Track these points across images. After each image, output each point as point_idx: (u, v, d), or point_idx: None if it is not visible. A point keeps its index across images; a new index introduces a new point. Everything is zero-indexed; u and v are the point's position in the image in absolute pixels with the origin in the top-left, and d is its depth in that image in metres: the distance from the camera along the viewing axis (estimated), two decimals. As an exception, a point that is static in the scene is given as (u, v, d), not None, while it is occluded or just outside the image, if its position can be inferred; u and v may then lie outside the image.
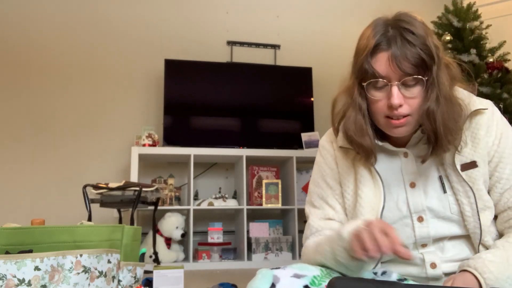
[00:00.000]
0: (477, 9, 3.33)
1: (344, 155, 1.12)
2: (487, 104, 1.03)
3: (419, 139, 1.04)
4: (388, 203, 1.04)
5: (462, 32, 3.25)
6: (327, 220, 1.10)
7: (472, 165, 0.99)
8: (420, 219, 1.02)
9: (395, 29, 0.96)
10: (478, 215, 0.97)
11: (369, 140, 1.02)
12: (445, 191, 1.01)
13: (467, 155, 1.00)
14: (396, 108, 0.95)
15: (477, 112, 1.02)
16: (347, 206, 1.09)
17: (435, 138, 0.97)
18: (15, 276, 0.90)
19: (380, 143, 1.05)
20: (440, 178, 1.02)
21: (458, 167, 0.99)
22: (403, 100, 0.95)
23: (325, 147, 1.17)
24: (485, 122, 1.01)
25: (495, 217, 1.02)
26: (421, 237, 1.01)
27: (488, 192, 1.01)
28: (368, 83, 0.98)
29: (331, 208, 1.11)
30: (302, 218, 3.62)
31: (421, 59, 0.94)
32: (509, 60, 3.27)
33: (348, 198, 1.09)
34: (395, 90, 0.94)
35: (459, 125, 0.98)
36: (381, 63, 0.95)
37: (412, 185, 1.04)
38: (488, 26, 3.32)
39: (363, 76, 0.99)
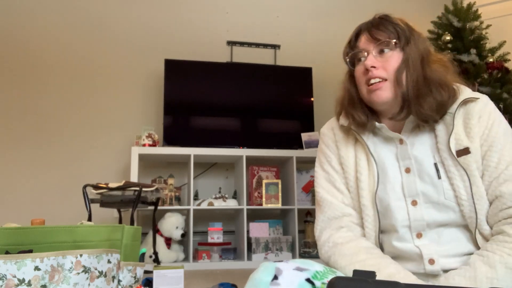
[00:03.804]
0: (477, 9, 3.33)
1: (345, 137, 1.18)
2: (480, 95, 1.08)
3: (413, 124, 1.10)
4: (384, 185, 1.08)
5: (462, 32, 3.25)
6: (341, 203, 1.15)
7: (466, 151, 1.02)
8: (414, 203, 1.04)
9: (374, 16, 1.13)
10: (473, 199, 0.99)
11: (360, 110, 1.13)
12: (439, 177, 1.03)
13: (460, 142, 1.03)
14: (369, 68, 1.07)
15: (470, 100, 1.06)
16: (350, 188, 1.14)
17: (406, 100, 1.06)
18: (15, 276, 0.90)
19: (377, 124, 1.11)
20: (435, 165, 1.05)
21: (454, 152, 1.02)
22: (377, 64, 1.07)
23: (326, 133, 1.24)
24: (477, 111, 1.05)
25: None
26: (415, 219, 1.03)
27: None
28: (351, 58, 1.14)
29: (339, 191, 1.15)
30: (302, 218, 3.63)
31: (394, 30, 1.08)
32: (509, 60, 3.27)
33: (350, 179, 1.14)
34: (370, 56, 1.09)
35: (440, 98, 1.04)
36: (361, 40, 1.13)
37: (408, 170, 1.08)
38: (488, 26, 3.32)
39: (350, 56, 1.15)
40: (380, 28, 1.09)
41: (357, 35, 1.14)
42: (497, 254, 0.92)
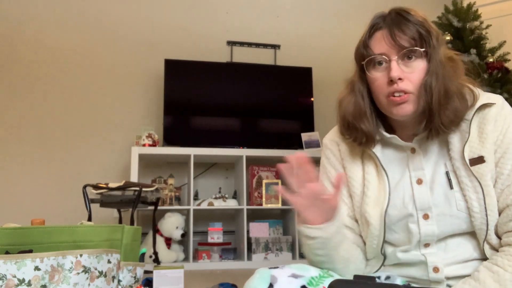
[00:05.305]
0: (477, 9, 3.33)
1: (351, 150, 1.10)
2: (496, 98, 1.01)
3: (424, 132, 1.02)
4: (394, 201, 1.02)
5: (462, 32, 3.25)
6: None
7: (480, 160, 0.97)
8: (426, 216, 0.99)
9: (391, 12, 1.02)
10: (486, 211, 0.94)
11: (368, 123, 1.03)
12: (451, 187, 0.98)
13: (475, 150, 0.98)
14: (395, 81, 0.97)
15: (485, 106, 0.99)
16: (356, 203, 1.07)
17: (429, 113, 0.97)
18: (15, 276, 0.90)
19: (388, 135, 1.04)
20: (447, 173, 1.00)
21: (467, 161, 0.97)
22: (403, 75, 0.97)
23: (328, 146, 1.16)
24: (493, 116, 0.99)
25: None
26: (426, 235, 0.99)
27: None
28: (368, 63, 1.01)
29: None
30: (302, 218, 3.63)
31: (418, 33, 0.98)
32: (509, 60, 3.26)
33: (357, 194, 1.07)
34: (393, 64, 0.97)
35: (458, 107, 0.97)
36: (378, 41, 1.00)
37: (419, 181, 1.02)
38: (488, 26, 3.32)
39: (362, 59, 1.02)
40: (403, 28, 0.97)
41: (371, 31, 1.02)
42: (508, 271, 0.89)
